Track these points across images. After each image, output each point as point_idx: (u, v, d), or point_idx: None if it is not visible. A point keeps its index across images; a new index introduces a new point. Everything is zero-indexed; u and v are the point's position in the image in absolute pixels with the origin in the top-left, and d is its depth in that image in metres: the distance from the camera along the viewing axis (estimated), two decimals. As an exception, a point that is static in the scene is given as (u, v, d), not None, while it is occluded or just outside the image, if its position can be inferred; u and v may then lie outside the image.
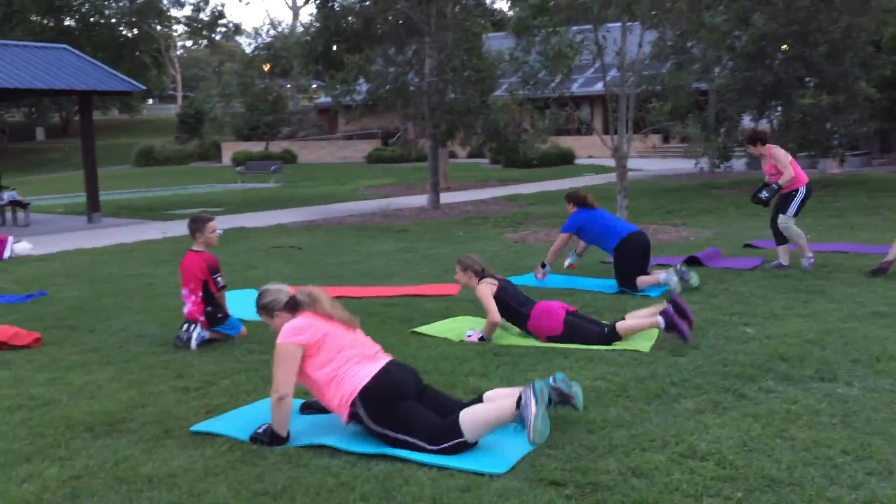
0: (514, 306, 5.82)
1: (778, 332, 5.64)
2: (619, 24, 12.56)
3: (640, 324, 5.52)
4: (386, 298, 7.34)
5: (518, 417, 3.60)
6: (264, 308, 4.14)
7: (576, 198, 7.88)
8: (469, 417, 3.66)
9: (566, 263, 8.22)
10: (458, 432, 3.63)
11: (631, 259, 7.40)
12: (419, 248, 10.88)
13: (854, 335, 5.50)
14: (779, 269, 8.07)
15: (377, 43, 16.46)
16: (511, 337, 5.88)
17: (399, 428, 3.72)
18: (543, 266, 7.83)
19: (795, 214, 8.12)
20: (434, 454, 3.63)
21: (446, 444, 3.63)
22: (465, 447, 3.64)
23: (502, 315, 5.82)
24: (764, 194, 8.20)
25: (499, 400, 3.79)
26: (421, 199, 17.74)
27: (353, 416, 3.82)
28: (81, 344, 6.15)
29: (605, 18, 12.38)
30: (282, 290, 4.14)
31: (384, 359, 4.00)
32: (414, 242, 11.49)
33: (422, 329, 6.13)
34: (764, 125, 18.75)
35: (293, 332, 3.91)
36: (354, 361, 3.91)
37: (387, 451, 3.69)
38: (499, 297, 5.83)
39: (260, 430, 3.91)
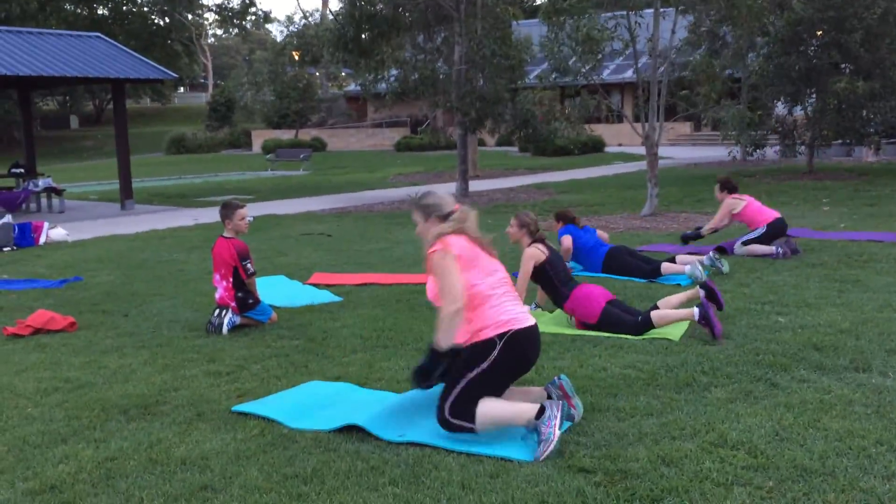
0: (555, 283, 5.75)
1: (811, 321, 5.55)
2: (651, 10, 12.42)
3: (676, 315, 5.45)
4: (415, 286, 7.36)
5: (533, 427, 3.52)
6: (423, 208, 3.97)
7: (565, 216, 7.81)
8: (485, 409, 3.62)
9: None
10: (471, 418, 3.62)
11: (623, 265, 7.48)
12: (448, 235, 10.83)
13: (890, 325, 5.39)
14: (778, 258, 8.04)
15: (406, 30, 16.41)
16: (542, 323, 5.79)
17: (472, 380, 3.67)
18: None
19: (746, 243, 8.33)
20: (442, 422, 3.66)
21: (457, 423, 3.63)
22: (470, 432, 3.63)
23: (543, 287, 5.84)
24: (688, 233, 8.90)
25: (519, 402, 3.71)
26: (449, 187, 17.71)
27: (481, 346, 3.68)
28: (115, 328, 6.25)
29: (639, 4, 12.24)
30: (445, 200, 4.01)
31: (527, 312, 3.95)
32: (442, 230, 11.43)
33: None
34: (798, 112, 18.51)
35: (446, 243, 3.77)
36: (508, 297, 3.83)
37: (413, 439, 3.70)
38: (542, 270, 5.76)
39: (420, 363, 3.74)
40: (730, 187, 8.56)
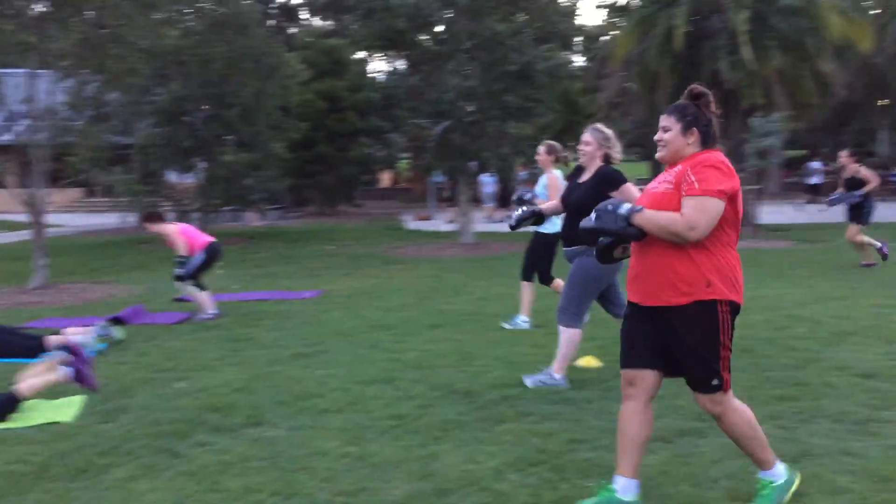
0: None
1: (210, 383, 5.57)
2: (24, 70, 11.69)
3: (43, 380, 5.00)
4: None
5: None
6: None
7: None
8: None
9: None
10: None
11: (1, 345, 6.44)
12: None
13: (278, 378, 5.67)
14: (208, 320, 8.17)
15: None
16: None
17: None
18: None
19: (192, 274, 8.36)
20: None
21: None
22: None
23: None
24: (176, 271, 8.41)
25: None
26: None
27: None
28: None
29: (8, 63, 12.02)
30: None
31: None
32: None
33: None
34: (189, 180, 19.38)
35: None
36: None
37: None
38: None
39: None
40: (157, 217, 8.78)
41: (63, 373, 5.01)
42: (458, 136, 17.28)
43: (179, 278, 8.35)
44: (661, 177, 3.36)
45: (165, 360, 6.37)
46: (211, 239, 8.58)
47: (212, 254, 8.48)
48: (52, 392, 5.18)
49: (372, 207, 32.30)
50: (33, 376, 5.05)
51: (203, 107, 17.97)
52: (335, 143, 27.30)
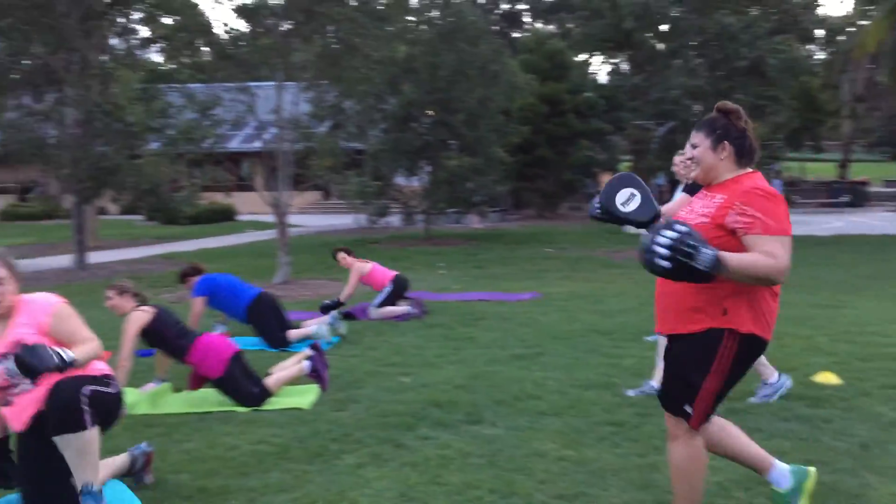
0: (171, 338, 5.37)
1: (432, 379, 5.76)
2: (272, 83, 12.48)
3: (288, 374, 5.54)
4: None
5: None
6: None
7: (194, 269, 7.51)
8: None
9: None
10: None
11: (263, 321, 7.31)
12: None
13: (497, 378, 5.72)
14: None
15: (10, 91, 14.75)
16: (163, 403, 5.43)
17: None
18: None
19: (380, 305, 8.53)
20: None
21: None
22: None
23: (161, 349, 5.48)
24: (327, 302, 8.53)
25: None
26: (65, 260, 15.64)
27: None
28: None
29: (260, 76, 12.63)
30: None
31: None
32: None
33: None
34: (415, 183, 20.15)
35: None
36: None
37: None
38: (152, 330, 5.33)
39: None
40: (351, 252, 8.94)
41: (305, 367, 5.60)
42: (683, 137, 16.76)
43: (325, 309, 8.34)
44: (694, 203, 3.07)
45: (392, 355, 6.70)
46: (395, 273, 8.79)
47: (399, 285, 8.66)
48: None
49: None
50: (282, 370, 5.63)
51: (429, 112, 18.73)
52: (555, 147, 27.39)
